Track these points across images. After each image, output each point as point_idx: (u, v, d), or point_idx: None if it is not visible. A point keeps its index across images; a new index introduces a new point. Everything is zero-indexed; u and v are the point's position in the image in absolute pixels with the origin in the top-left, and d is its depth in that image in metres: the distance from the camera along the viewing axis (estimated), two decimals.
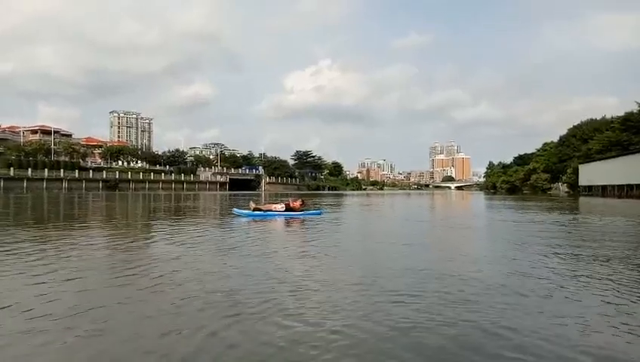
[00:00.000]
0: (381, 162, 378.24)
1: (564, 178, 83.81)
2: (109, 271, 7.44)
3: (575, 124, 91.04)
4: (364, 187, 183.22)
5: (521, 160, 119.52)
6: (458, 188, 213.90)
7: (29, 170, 74.13)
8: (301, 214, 19.16)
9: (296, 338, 4.03)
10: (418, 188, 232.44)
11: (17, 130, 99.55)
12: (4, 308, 4.91)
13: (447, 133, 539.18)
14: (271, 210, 19.45)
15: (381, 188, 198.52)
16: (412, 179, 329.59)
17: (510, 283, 6.25)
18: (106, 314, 4.78)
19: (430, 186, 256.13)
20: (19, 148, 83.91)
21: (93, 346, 3.87)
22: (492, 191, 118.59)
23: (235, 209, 20.92)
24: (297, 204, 19.84)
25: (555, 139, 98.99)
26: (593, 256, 8.65)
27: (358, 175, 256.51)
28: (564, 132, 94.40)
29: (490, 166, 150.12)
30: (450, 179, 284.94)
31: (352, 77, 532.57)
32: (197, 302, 5.27)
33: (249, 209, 19.66)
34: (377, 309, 4.96)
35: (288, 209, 19.36)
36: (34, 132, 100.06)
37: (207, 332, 4.17)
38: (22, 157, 77.94)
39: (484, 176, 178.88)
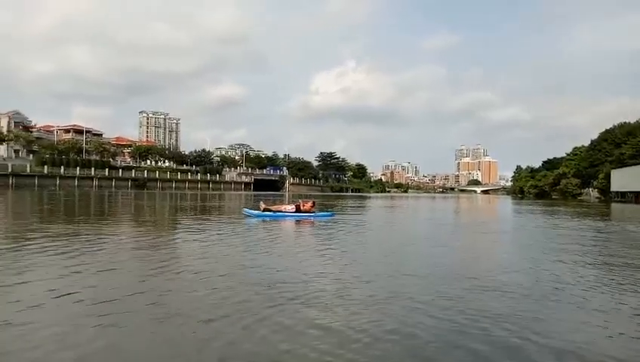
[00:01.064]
0: (405, 164, 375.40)
1: (595, 183, 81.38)
2: (151, 262, 7.83)
3: (607, 127, 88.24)
4: (387, 189, 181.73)
5: (550, 164, 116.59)
6: (484, 191, 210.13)
7: (62, 168, 76.42)
8: (312, 216, 19.01)
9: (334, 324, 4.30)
10: (443, 192, 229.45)
11: (51, 129, 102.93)
12: (74, 293, 5.38)
13: (473, 135, 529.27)
14: (281, 211, 19.46)
15: (405, 191, 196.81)
16: (437, 182, 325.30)
17: (537, 293, 6.16)
18: (162, 298, 5.30)
19: (455, 190, 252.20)
20: (52, 146, 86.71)
21: (152, 325, 4.35)
22: (519, 195, 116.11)
23: (245, 209, 20.86)
24: (308, 205, 19.68)
25: (587, 142, 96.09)
26: (627, 264, 8.43)
27: (382, 177, 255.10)
28: (595, 135, 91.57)
29: (518, 170, 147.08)
30: (476, 182, 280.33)
31: (377, 78, 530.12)
32: (240, 290, 5.77)
33: (259, 209, 19.60)
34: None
35: (298, 210, 19.26)
36: (67, 131, 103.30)
37: (256, 318, 4.59)
38: (55, 156, 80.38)
39: (511, 180, 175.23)
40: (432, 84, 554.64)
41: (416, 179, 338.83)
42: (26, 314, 4.63)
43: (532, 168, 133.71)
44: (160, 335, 4.15)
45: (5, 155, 78.50)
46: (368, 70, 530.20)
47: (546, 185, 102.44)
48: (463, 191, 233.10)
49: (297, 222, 17.44)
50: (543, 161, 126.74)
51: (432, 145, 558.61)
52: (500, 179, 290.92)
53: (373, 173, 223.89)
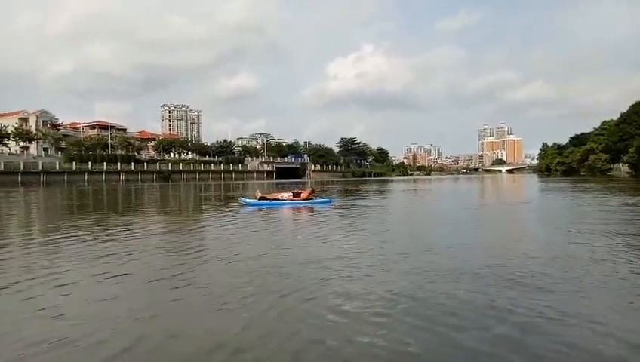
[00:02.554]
0: (428, 147, 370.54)
1: (625, 158, 78.69)
2: (188, 248, 8.16)
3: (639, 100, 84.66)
4: (410, 172, 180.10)
5: (578, 140, 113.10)
6: (509, 171, 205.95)
7: (89, 163, 78.38)
8: (309, 202, 18.85)
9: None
10: (467, 173, 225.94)
11: (77, 126, 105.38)
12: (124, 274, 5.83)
13: (496, 115, 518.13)
14: (278, 199, 19.28)
15: (428, 174, 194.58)
16: (460, 163, 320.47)
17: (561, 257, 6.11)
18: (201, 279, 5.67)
19: (479, 170, 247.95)
20: (79, 143, 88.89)
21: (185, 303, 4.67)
22: (546, 173, 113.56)
23: (241, 198, 20.56)
24: (307, 193, 19.60)
25: (615, 118, 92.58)
26: None
27: (404, 160, 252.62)
28: (625, 110, 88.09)
29: (544, 147, 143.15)
30: (501, 162, 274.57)
31: (395, 61, 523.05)
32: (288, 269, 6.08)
33: (255, 198, 19.49)
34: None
35: (296, 198, 19.14)
36: (92, 127, 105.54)
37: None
38: (82, 152, 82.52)
39: (537, 158, 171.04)
40: (452, 65, 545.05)
41: (439, 161, 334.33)
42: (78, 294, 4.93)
43: (559, 145, 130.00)
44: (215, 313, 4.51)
45: (35, 154, 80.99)
46: (386, 54, 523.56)
47: (574, 162, 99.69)
48: (487, 171, 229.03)
49: (299, 209, 17.33)
50: (570, 138, 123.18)
51: (454, 127, 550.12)
52: (525, 158, 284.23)
53: (394, 156, 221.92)
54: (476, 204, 21.37)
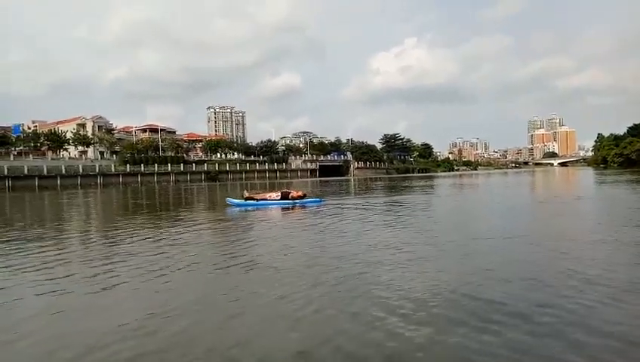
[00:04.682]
0: (474, 141, 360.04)
1: None
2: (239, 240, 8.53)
3: None
4: (456, 168, 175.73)
5: (637, 130, 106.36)
6: (561, 164, 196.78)
7: (142, 165, 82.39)
8: (298, 202, 18.36)
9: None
10: (516, 167, 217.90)
11: (130, 129, 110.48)
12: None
13: (547, 105, 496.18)
14: (265, 199, 18.80)
15: (475, 168, 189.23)
16: (509, 157, 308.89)
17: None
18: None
19: (530, 163, 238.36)
20: (132, 146, 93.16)
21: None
22: (602, 166, 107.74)
23: (228, 199, 20.10)
24: (299, 193, 19.12)
25: None
26: None
27: (450, 155, 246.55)
28: None
29: (600, 138, 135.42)
30: (553, 155, 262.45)
31: (439, 54, 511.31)
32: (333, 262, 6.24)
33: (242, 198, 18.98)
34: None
35: (285, 198, 18.67)
36: (144, 131, 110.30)
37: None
38: (135, 155, 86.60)
39: (592, 150, 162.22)
40: (498, 54, 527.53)
41: (486, 155, 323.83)
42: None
43: (616, 135, 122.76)
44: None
45: (92, 157, 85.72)
46: (429, 46, 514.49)
47: (633, 153, 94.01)
48: (538, 164, 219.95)
49: (292, 208, 17.04)
50: (629, 127, 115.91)
51: (501, 119, 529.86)
52: (579, 150, 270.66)
53: (439, 152, 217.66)
54: (537, 198, 20.79)
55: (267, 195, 19.43)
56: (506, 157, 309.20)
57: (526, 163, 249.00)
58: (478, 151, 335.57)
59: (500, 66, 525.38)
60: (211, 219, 15.39)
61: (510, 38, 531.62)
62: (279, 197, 18.77)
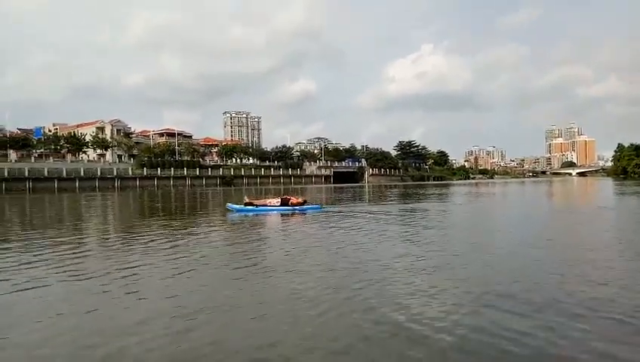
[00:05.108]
0: (490, 149, 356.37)
1: None
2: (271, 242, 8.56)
3: None
4: (472, 176, 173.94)
5: None
6: (580, 174, 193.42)
7: (159, 169, 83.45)
8: (298, 209, 18.31)
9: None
10: (533, 176, 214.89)
11: (147, 134, 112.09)
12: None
13: (564, 114, 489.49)
14: (265, 205, 18.81)
15: (491, 177, 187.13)
16: (526, 166, 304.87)
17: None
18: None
19: (547, 173, 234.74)
20: (149, 150, 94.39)
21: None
22: (622, 176, 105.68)
23: (228, 204, 20.11)
24: (298, 200, 19.01)
25: None
26: None
27: (465, 163, 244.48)
28: None
29: (620, 148, 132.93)
30: (571, 164, 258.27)
31: (456, 61, 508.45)
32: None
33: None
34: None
35: (284, 204, 18.58)
36: (161, 135, 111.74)
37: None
38: (152, 158, 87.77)
39: (611, 160, 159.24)
40: (515, 62, 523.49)
41: (502, 163, 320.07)
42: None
43: (636, 145, 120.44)
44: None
45: (111, 160, 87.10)
46: (446, 53, 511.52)
47: None
48: (556, 174, 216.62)
49: (291, 215, 17.01)
50: None
51: (518, 128, 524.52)
52: (598, 160, 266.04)
53: (455, 159, 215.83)
54: (555, 208, 20.47)
55: (267, 201, 19.45)
56: (523, 166, 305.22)
57: (544, 172, 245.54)
58: (494, 160, 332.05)
59: (518, 75, 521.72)
60: (225, 223, 15.45)
61: (526, 47, 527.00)
62: (279, 204, 18.71)
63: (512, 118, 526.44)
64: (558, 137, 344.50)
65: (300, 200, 19.14)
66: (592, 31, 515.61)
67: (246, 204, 18.80)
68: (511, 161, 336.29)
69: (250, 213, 17.63)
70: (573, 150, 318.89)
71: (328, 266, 7.26)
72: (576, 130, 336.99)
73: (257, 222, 14.87)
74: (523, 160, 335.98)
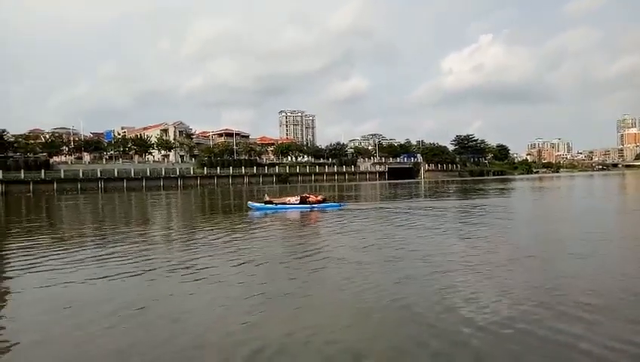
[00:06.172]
0: (555, 141, 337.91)
1: None
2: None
3: None
4: (535, 170, 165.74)
5: None
6: None
7: (218, 168, 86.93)
8: (317, 206, 18.29)
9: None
10: (603, 169, 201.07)
11: (207, 134, 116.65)
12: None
13: (637, 103, 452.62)
14: (285, 203, 18.87)
15: (556, 171, 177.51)
16: (595, 159, 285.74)
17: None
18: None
19: (619, 166, 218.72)
20: (209, 150, 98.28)
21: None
22: None
23: (249, 203, 20.40)
24: (318, 198, 19.02)
25: None
26: None
27: (528, 157, 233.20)
28: None
29: None
30: None
31: (517, 51, 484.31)
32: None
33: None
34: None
35: (304, 202, 18.60)
36: (219, 135, 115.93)
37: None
38: (212, 158, 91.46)
39: None
40: (582, 50, 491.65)
41: (569, 156, 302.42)
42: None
43: None
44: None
45: (174, 160, 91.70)
46: (506, 43, 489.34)
47: None
48: (629, 166, 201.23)
49: (310, 212, 17.16)
50: None
51: (586, 119, 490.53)
52: None
53: (516, 153, 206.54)
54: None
55: (286, 199, 19.64)
56: (591, 159, 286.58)
57: (615, 165, 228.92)
58: (559, 153, 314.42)
59: (585, 62, 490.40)
60: (286, 219, 16.05)
61: (598, 32, 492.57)
62: (298, 202, 18.87)
63: (579, 109, 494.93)
64: (632, 127, 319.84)
65: (320, 198, 19.36)
66: None
67: (266, 203, 19.22)
68: (578, 153, 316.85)
69: (270, 211, 18.07)
70: None
71: (394, 257, 7.54)
72: None
73: (287, 219, 15.37)
74: (592, 152, 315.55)
